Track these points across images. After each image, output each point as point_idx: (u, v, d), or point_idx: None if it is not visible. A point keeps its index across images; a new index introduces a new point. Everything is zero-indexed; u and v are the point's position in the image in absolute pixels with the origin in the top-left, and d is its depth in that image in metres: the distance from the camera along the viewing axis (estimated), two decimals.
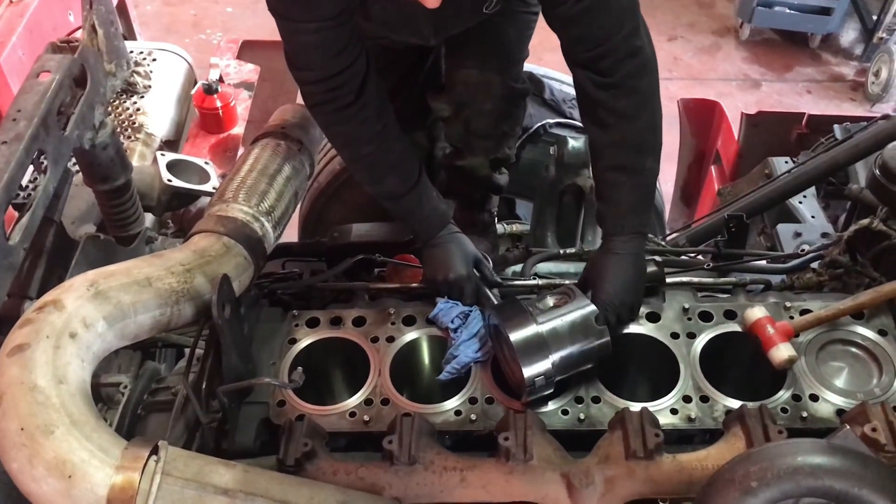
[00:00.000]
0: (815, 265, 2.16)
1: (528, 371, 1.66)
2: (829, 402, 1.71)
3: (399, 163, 1.96)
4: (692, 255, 2.38)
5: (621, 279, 1.82)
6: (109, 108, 2.13)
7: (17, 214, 1.76)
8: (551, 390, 1.72)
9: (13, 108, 1.75)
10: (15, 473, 1.31)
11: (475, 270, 1.99)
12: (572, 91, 3.10)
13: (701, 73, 5.55)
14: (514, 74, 2.37)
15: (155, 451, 1.34)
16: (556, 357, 1.68)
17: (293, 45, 1.81)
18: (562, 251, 2.28)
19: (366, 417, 1.75)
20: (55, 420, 1.32)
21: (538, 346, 1.67)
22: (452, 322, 1.84)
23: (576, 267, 2.28)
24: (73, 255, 1.93)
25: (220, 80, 3.02)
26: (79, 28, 2.08)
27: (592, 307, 1.73)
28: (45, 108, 1.76)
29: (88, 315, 1.48)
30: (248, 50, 3.30)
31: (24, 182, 1.83)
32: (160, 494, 1.29)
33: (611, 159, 1.85)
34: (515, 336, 1.68)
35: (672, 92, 5.38)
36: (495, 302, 1.91)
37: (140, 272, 1.60)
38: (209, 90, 2.92)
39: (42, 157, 1.76)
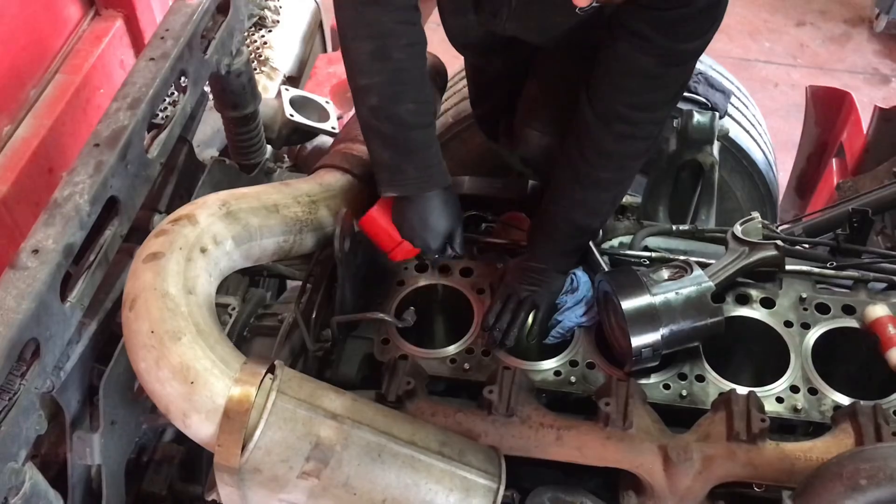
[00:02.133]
0: None
1: (637, 341, 1.65)
2: None
3: (421, 87, 1.73)
4: (809, 246, 2.30)
5: (529, 279, 1.83)
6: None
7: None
8: (656, 363, 1.70)
9: (162, 26, 1.82)
10: (141, 373, 1.39)
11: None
12: (699, 65, 3.02)
13: (827, 62, 5.30)
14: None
15: (272, 369, 1.40)
16: (666, 330, 1.66)
17: None
18: (674, 227, 2.23)
19: (466, 365, 1.77)
20: (183, 327, 1.38)
21: (650, 317, 1.65)
22: None
23: (686, 244, 2.23)
24: (199, 175, 1.99)
25: None
26: None
27: (710, 284, 1.70)
28: (190, 29, 1.81)
29: (219, 233, 1.53)
30: None
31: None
32: (274, 410, 1.34)
33: (566, 209, 1.84)
34: (627, 304, 1.67)
35: (794, 79, 5.18)
36: (606, 269, 1.89)
37: (269, 198, 1.65)
38: None
39: (183, 77, 1.82)
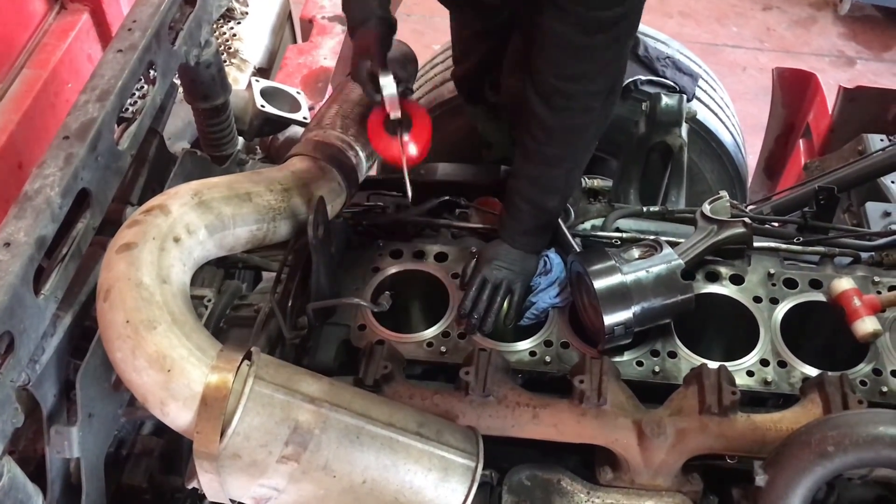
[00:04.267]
0: None
1: (609, 319, 1.68)
2: None
3: None
4: (777, 224, 2.34)
5: (504, 258, 1.85)
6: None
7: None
8: (629, 340, 1.73)
9: (129, 18, 1.81)
10: (118, 363, 1.39)
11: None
12: (666, 49, 3.06)
13: (794, 46, 5.38)
14: None
15: (248, 356, 1.41)
16: (637, 308, 1.69)
17: None
18: (645, 209, 2.26)
19: (442, 349, 1.79)
20: (158, 316, 1.38)
21: (622, 296, 1.68)
22: None
23: (657, 226, 2.27)
24: (171, 167, 1.99)
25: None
26: None
27: (679, 261, 1.73)
28: (158, 20, 1.80)
29: (192, 222, 1.54)
30: None
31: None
32: (251, 396, 1.35)
33: (519, 186, 1.88)
34: (599, 283, 1.69)
35: (762, 63, 5.25)
36: (578, 249, 1.92)
37: (241, 186, 1.65)
38: None
39: (151, 68, 1.82)
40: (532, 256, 1.88)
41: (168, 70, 1.88)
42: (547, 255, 1.92)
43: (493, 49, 2.38)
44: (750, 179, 3.75)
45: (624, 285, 1.70)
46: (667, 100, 2.43)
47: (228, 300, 2.07)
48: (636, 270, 1.72)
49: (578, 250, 1.92)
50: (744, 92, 4.90)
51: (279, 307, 1.77)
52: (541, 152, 1.83)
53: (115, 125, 1.69)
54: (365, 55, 1.74)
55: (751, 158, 3.81)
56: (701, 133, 2.97)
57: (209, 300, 2.02)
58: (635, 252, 1.76)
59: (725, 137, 3.06)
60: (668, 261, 1.73)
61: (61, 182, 1.49)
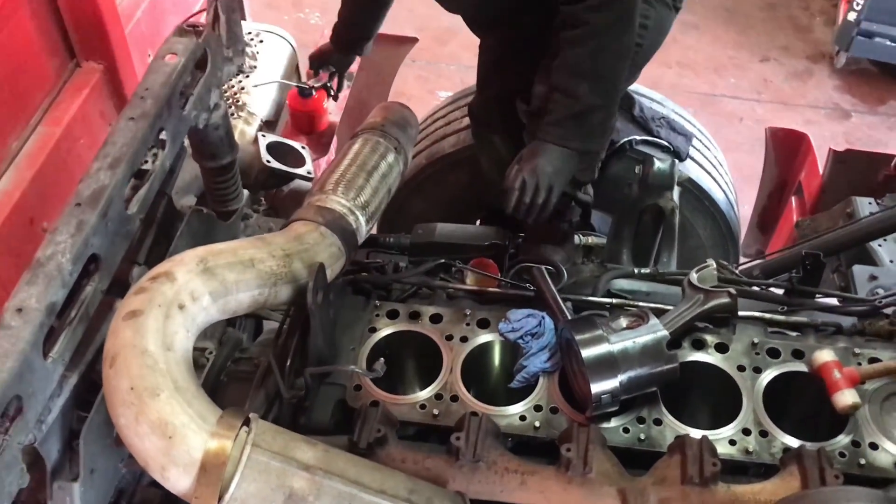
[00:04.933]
0: (889, 310, 2.17)
1: (596, 387, 1.73)
2: (890, 452, 1.73)
3: None
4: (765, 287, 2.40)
5: (537, 158, 2.00)
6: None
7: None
8: (616, 408, 1.79)
9: (141, 86, 1.88)
10: (121, 428, 1.45)
11: None
12: (661, 109, 3.15)
13: (791, 97, 5.48)
14: None
15: (247, 422, 1.46)
16: (624, 377, 1.74)
17: None
18: (636, 270, 2.33)
19: (435, 411, 1.84)
20: (161, 384, 1.44)
21: (608, 365, 1.74)
22: (523, 339, 1.91)
23: (648, 286, 2.33)
24: (177, 225, 2.05)
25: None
26: (202, 11, 2.20)
27: (665, 333, 1.79)
28: (169, 89, 1.88)
29: (196, 289, 1.60)
30: None
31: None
32: (248, 463, 1.40)
33: (551, 80, 2.05)
34: (587, 352, 1.75)
35: (759, 115, 5.35)
36: (569, 316, 1.98)
37: (245, 253, 1.72)
38: (304, 93, 3.05)
39: (161, 133, 1.90)
40: (570, 155, 1.99)
41: (178, 135, 1.95)
42: (543, 318, 1.97)
43: (518, 75, 2.49)
44: (744, 232, 3.83)
45: (611, 354, 1.75)
46: (659, 164, 2.51)
47: (229, 353, 2.12)
48: (623, 340, 1.77)
49: (569, 316, 1.98)
50: (741, 143, 5.00)
51: (278, 364, 1.83)
52: (567, 38, 1.99)
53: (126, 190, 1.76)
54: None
55: (747, 208, 3.88)
56: (694, 192, 3.05)
57: (210, 352, 2.08)
58: (623, 321, 1.82)
59: (718, 196, 3.14)
60: (654, 331, 1.79)
61: (72, 249, 1.56)
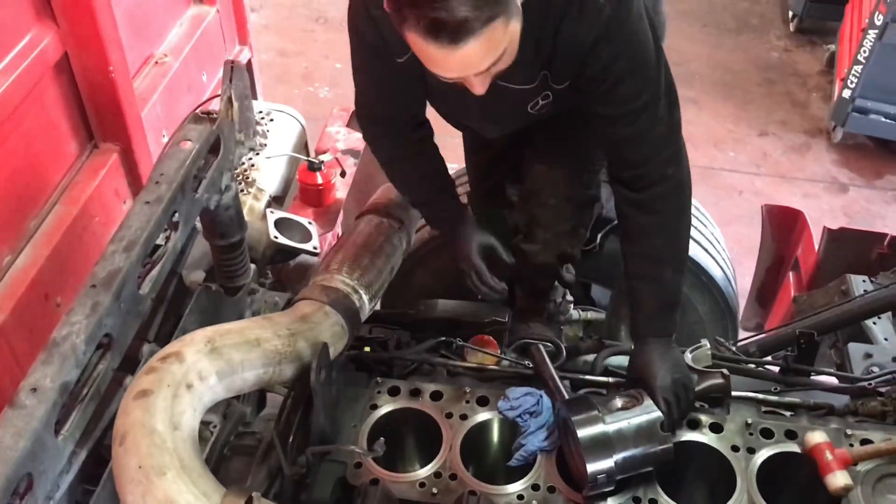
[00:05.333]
0: (883, 389, 2.21)
1: (592, 467, 1.77)
2: None
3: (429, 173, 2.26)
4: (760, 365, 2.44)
5: (668, 364, 1.97)
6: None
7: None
8: (612, 487, 1.82)
9: (156, 171, 1.97)
10: None
11: (483, 259, 2.25)
12: None
13: (789, 171, 5.57)
14: (584, 180, 2.43)
15: (249, 501, 1.50)
16: (619, 457, 1.78)
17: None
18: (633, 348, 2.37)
19: (434, 490, 1.88)
20: (168, 463, 1.49)
21: (604, 445, 1.78)
22: (521, 418, 1.96)
23: None
24: (187, 301, 2.12)
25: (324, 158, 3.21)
26: (216, 96, 2.31)
27: (658, 413, 1.84)
28: (183, 174, 1.97)
29: (204, 369, 1.66)
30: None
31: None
32: None
33: (632, 268, 2.06)
34: (583, 433, 1.79)
35: (758, 187, 5.43)
36: (566, 396, 2.02)
37: (251, 333, 1.78)
38: (312, 167, 3.15)
39: (175, 215, 1.98)
40: (673, 346, 2.02)
41: (190, 217, 2.03)
42: (541, 397, 2.02)
43: (513, 166, 2.56)
44: (744, 304, 3.87)
45: (606, 434, 1.80)
46: None
47: (233, 427, 2.16)
48: (618, 421, 1.82)
49: (566, 395, 2.02)
50: (740, 215, 5.07)
51: (280, 440, 1.87)
52: (637, 225, 2.02)
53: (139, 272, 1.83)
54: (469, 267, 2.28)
55: (747, 279, 3.93)
56: (692, 268, 3.11)
57: (215, 426, 2.12)
58: (618, 402, 1.86)
59: (716, 272, 3.19)
60: (648, 412, 1.84)
61: (87, 329, 1.62)
